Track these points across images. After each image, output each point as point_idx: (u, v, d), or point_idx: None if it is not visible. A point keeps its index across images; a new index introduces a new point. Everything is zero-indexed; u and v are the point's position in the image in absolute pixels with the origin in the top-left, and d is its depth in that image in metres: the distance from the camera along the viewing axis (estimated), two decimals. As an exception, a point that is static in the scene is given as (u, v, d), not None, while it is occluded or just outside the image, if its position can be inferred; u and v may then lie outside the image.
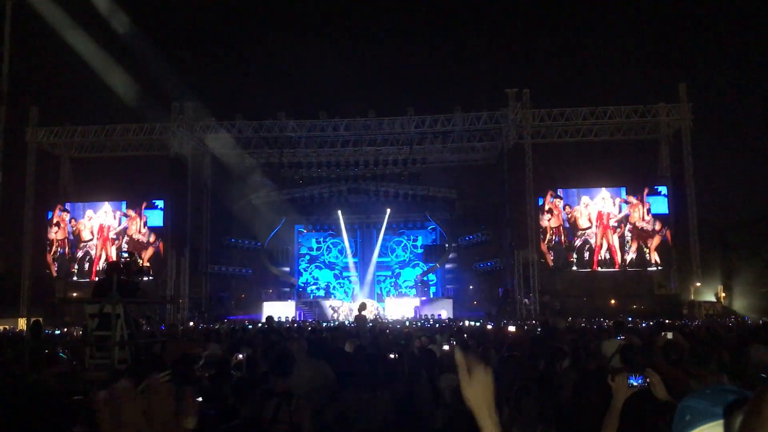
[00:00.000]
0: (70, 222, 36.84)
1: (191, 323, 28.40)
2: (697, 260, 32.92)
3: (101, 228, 36.75)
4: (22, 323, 29.89)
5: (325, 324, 24.43)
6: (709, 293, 33.26)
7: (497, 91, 34.77)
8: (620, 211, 34.57)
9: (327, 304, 36.83)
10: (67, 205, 37.10)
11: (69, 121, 35.66)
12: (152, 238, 36.22)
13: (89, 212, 36.89)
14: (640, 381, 3.28)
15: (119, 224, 36.70)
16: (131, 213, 36.63)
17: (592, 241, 34.55)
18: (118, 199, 37.05)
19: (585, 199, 34.88)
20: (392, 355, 7.86)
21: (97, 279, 29.50)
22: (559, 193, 34.96)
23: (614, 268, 34.40)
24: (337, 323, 25.76)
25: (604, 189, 35.08)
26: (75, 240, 36.71)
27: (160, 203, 36.52)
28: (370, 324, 21.73)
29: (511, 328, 14.68)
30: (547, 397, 5.43)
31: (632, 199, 34.57)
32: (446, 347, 8.32)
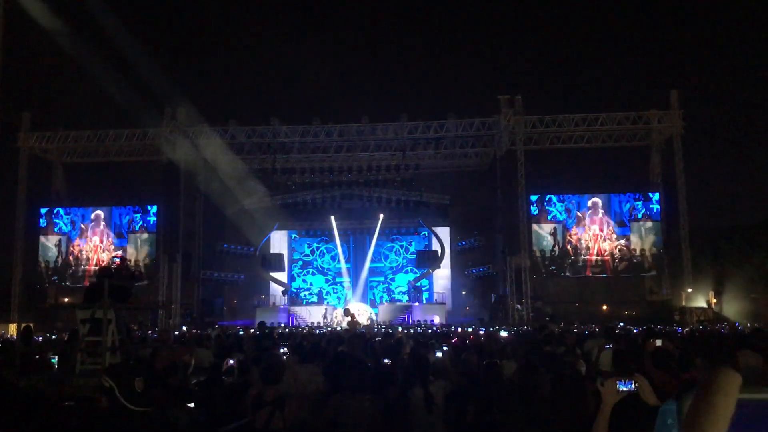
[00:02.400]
0: (61, 227, 36.73)
1: (184, 328, 28.33)
2: (688, 266, 33.06)
3: (93, 233, 36.65)
4: (12, 328, 29.73)
5: (318, 330, 24.38)
6: (700, 299, 33.41)
7: (490, 97, 34.94)
8: (612, 217, 34.74)
9: (319, 309, 36.80)
10: (59, 210, 36.98)
11: (61, 126, 35.56)
12: (144, 243, 36.23)
13: (81, 217, 36.80)
14: (629, 386, 3.30)
15: (111, 229, 36.62)
16: (124, 218, 36.64)
17: (584, 246, 34.67)
18: (111, 205, 36.99)
19: (577, 205, 35.03)
20: (386, 360, 7.86)
21: (88, 284, 29.41)
22: (551, 199, 35.14)
23: (606, 273, 34.54)
24: (330, 329, 25.72)
25: (596, 195, 35.25)
26: (66, 245, 36.58)
27: (152, 209, 36.50)
28: (363, 329, 21.70)
29: (503, 334, 14.68)
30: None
31: (623, 205, 34.78)
32: (439, 354, 8.30)
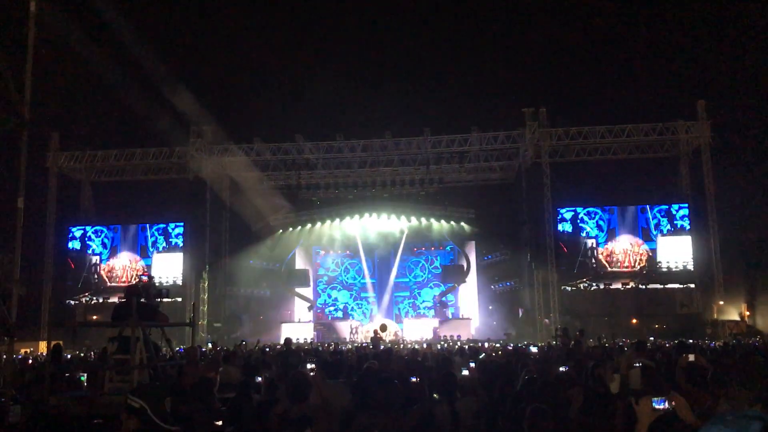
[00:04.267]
0: (93, 249, 37.27)
1: (209, 344, 28.43)
2: (719, 278, 32.49)
3: (122, 254, 37.16)
4: (42, 347, 30.04)
5: (343, 346, 24.31)
6: (732, 312, 32.74)
7: (514, 110, 34.78)
8: (639, 233, 34.38)
9: (345, 325, 36.76)
10: (91, 233, 37.50)
11: (89, 145, 36.11)
12: (169, 263, 36.62)
13: (111, 239, 37.33)
14: (663, 404, 3.21)
15: (137, 250, 37.07)
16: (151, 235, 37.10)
17: (615, 261, 34.32)
18: (138, 222, 37.43)
19: (608, 222, 34.77)
20: (414, 378, 7.77)
21: (117, 302, 29.70)
22: (585, 218, 34.95)
23: (635, 285, 34.10)
24: (356, 345, 25.64)
25: (623, 207, 34.92)
26: (97, 266, 37.10)
27: (177, 229, 36.85)
28: (388, 345, 21.63)
29: (533, 350, 14.52)
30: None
31: (650, 222, 34.44)
32: (466, 372, 8.18)
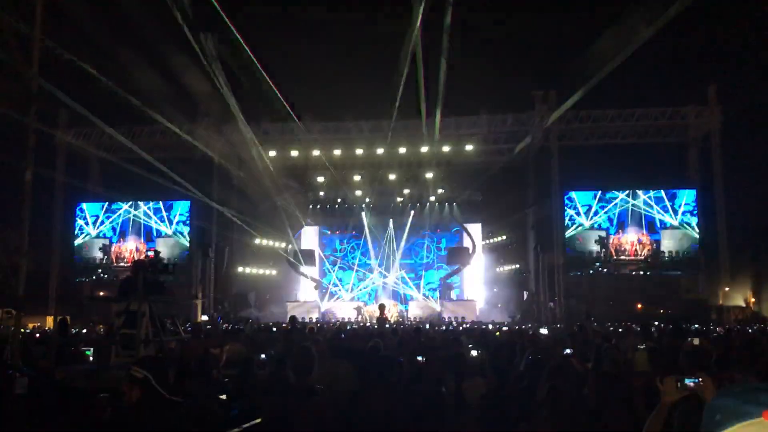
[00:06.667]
0: (104, 233, 37.52)
1: (205, 317, 28.74)
2: (725, 265, 32.41)
3: (128, 228, 37.34)
4: (50, 321, 30.30)
5: (349, 326, 24.41)
6: (738, 298, 32.73)
7: (523, 92, 34.52)
8: (645, 226, 34.35)
9: (350, 305, 36.91)
10: (95, 205, 37.69)
11: (97, 122, 36.01)
12: (174, 244, 36.87)
13: (119, 224, 37.59)
14: (690, 384, 3.18)
15: (143, 235, 37.28)
16: (156, 213, 37.31)
17: (623, 250, 34.32)
18: (145, 199, 37.56)
19: (617, 215, 34.80)
20: (420, 358, 7.81)
21: (123, 277, 29.87)
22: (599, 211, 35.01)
23: (641, 271, 34.11)
24: (361, 324, 25.74)
25: (631, 191, 34.83)
26: (108, 248, 37.39)
27: (186, 204, 36.97)
28: (393, 326, 21.70)
29: (543, 331, 14.55)
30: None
31: (659, 202, 34.36)
32: (474, 353, 8.20)
